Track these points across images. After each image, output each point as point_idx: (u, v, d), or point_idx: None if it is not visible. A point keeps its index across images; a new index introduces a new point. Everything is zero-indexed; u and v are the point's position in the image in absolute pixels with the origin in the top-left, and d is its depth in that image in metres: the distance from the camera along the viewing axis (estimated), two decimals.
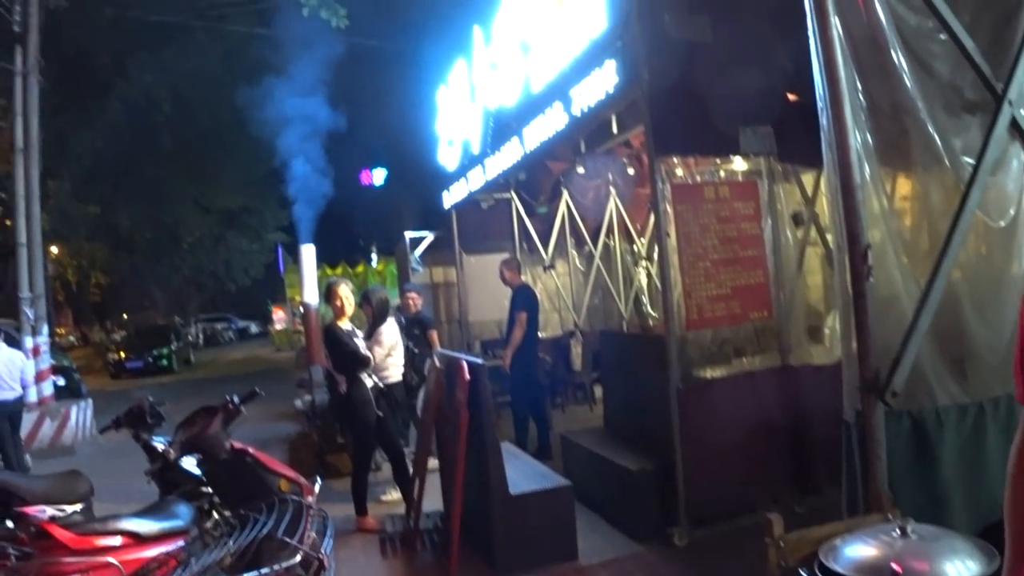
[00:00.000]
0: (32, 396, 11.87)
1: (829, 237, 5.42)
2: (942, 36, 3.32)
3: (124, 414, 5.21)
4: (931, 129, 3.33)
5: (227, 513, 4.63)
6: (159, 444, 4.95)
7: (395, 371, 6.92)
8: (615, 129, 7.66)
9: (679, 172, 5.92)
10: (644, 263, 10.70)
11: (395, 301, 10.25)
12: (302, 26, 12.80)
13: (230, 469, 4.74)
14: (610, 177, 10.10)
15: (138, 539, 3.71)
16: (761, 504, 4.33)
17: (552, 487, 5.28)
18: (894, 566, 2.02)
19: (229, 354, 34.29)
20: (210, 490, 4.84)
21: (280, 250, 26.34)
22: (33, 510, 4.11)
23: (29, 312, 12.23)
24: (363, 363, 6.28)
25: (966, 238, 3.26)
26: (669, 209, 5.38)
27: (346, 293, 6.45)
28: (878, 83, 3.33)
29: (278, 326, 32.89)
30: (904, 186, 3.75)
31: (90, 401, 12.98)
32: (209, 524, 4.21)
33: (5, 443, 9.13)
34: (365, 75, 19.64)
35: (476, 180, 9.22)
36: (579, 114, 5.93)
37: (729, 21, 5.36)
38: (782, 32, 4.57)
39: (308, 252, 10.40)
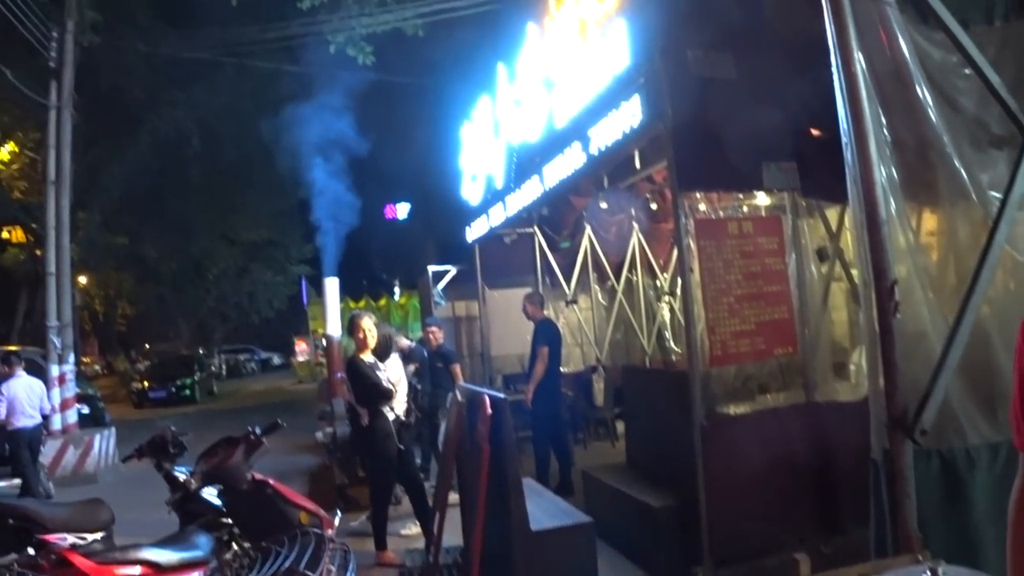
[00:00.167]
0: (57, 423, 12.02)
1: (854, 272, 5.37)
2: (967, 71, 3.31)
3: (147, 443, 5.23)
4: (957, 164, 3.32)
5: (246, 545, 4.61)
6: (181, 474, 4.96)
7: (398, 407, 6.93)
8: (638, 164, 7.69)
9: (702, 207, 5.92)
10: (667, 298, 10.67)
11: (417, 334, 10.29)
12: (329, 63, 13.05)
13: (250, 500, 4.74)
14: (633, 212, 10.11)
15: (158, 569, 3.71)
16: (787, 544, 4.26)
17: (573, 524, 5.21)
18: None
19: (251, 385, 34.42)
20: (230, 521, 4.82)
21: (304, 282, 26.58)
22: (54, 538, 4.13)
23: (56, 340, 12.38)
24: (385, 396, 6.28)
25: (994, 273, 3.22)
26: (692, 244, 5.36)
27: (369, 326, 6.48)
28: (903, 118, 3.32)
29: (300, 358, 33.02)
30: (930, 221, 3.72)
31: (113, 430, 13.08)
32: (229, 556, 4.21)
33: (26, 469, 9.27)
34: (390, 110, 19.92)
35: (498, 216, 9.28)
36: (596, 153, 5.99)
37: (752, 57, 5.37)
38: (805, 68, 4.58)
39: (332, 285, 10.48)
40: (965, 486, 3.10)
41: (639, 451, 6.90)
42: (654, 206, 9.86)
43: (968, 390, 3.19)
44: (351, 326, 6.58)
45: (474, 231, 10.48)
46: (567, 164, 6.75)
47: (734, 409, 5.55)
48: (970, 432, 3.16)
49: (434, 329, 9.17)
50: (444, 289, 12.74)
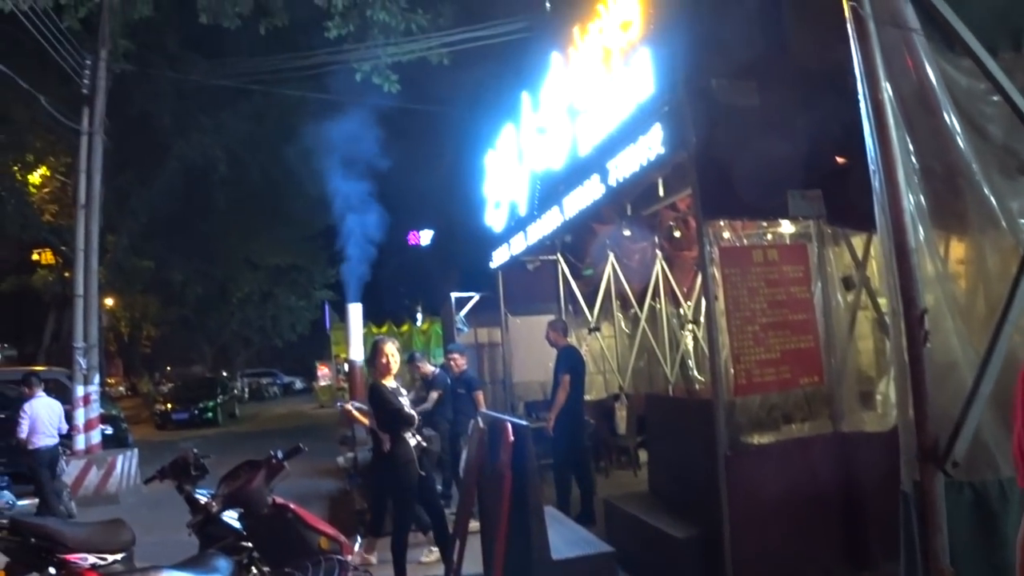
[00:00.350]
0: (80, 444, 12.12)
1: (881, 301, 5.32)
2: (995, 98, 3.29)
3: (169, 465, 5.24)
4: (986, 191, 3.28)
5: (266, 569, 4.60)
6: (202, 497, 4.97)
7: None
8: (661, 192, 7.68)
9: (726, 235, 5.90)
10: (690, 326, 10.60)
11: (439, 360, 10.29)
12: (355, 90, 13.22)
13: (271, 524, 4.73)
14: (656, 240, 10.09)
15: None
16: None
17: (595, 553, 5.15)
18: None
19: (273, 409, 34.53)
20: (250, 545, 4.82)
21: (327, 307, 26.74)
22: (75, 557, 4.14)
23: (82, 361, 12.51)
24: (407, 422, 6.25)
25: None
26: (717, 272, 5.34)
27: (392, 351, 6.45)
28: (930, 145, 3.30)
29: (322, 382, 33.11)
30: (957, 249, 3.68)
31: (136, 451, 13.16)
32: None
33: (45, 488, 9.39)
34: (414, 137, 20.12)
35: (519, 245, 9.35)
36: (615, 184, 6.05)
37: (776, 85, 5.39)
38: (829, 95, 4.58)
39: (355, 311, 10.53)
40: (998, 519, 3.03)
41: (662, 480, 6.83)
42: (677, 234, 9.83)
43: (1000, 421, 3.12)
44: (374, 351, 6.57)
45: (497, 258, 10.51)
46: (586, 195, 6.83)
47: (759, 439, 5.49)
48: (1003, 464, 3.09)
49: (456, 356, 9.17)
50: (467, 315, 12.76)
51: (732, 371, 5.28)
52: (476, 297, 12.83)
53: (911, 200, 3.18)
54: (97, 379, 12.97)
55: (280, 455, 4.96)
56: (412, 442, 6.28)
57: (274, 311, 34.87)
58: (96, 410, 12.70)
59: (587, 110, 6.90)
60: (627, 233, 9.51)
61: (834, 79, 3.68)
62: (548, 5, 12.03)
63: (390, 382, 6.43)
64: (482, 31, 12.91)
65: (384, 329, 23.28)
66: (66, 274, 21.03)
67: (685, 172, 5.42)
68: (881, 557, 4.94)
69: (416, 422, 6.34)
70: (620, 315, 11.43)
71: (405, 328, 24.81)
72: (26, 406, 9.61)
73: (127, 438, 15.69)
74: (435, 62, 13.24)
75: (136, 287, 27.88)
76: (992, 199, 3.29)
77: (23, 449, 9.52)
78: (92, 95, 13.22)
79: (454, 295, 13.12)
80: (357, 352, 10.41)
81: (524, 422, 5.31)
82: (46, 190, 22.89)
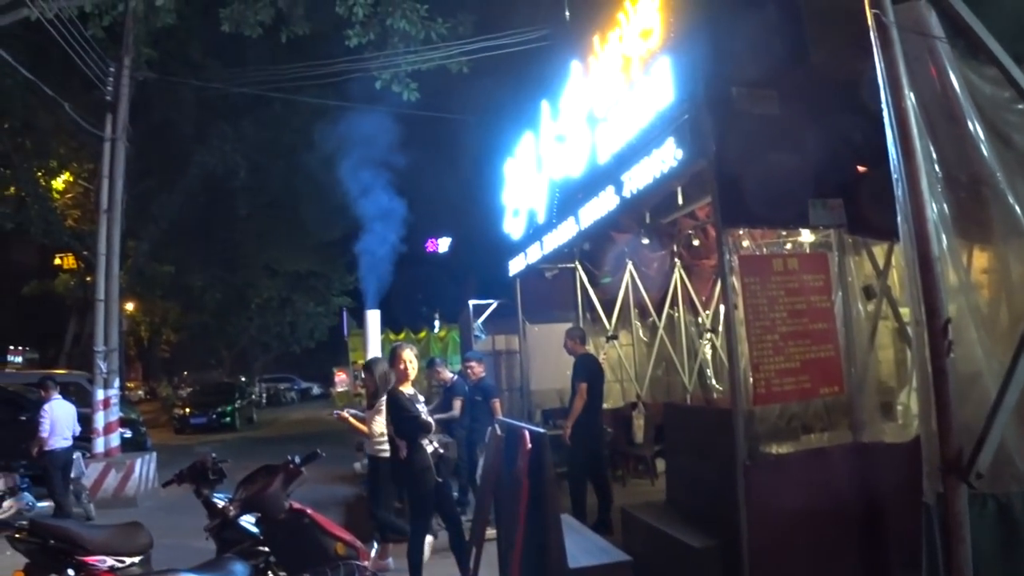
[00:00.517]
0: (100, 447, 12.21)
1: (902, 311, 5.27)
2: (1020, 106, 3.26)
3: (187, 469, 5.29)
4: (1011, 200, 3.25)
5: (282, 573, 4.62)
6: (219, 501, 5.00)
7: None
8: (680, 200, 7.67)
9: (746, 244, 5.87)
10: (709, 335, 10.55)
11: (456, 367, 10.30)
12: (374, 98, 13.30)
13: (288, 529, 4.74)
14: (675, 248, 10.06)
15: None
16: None
17: (612, 562, 5.12)
18: None
19: (291, 414, 34.65)
20: (267, 549, 4.84)
21: (345, 314, 26.81)
22: (94, 559, 4.18)
23: (102, 365, 12.63)
24: (424, 429, 6.25)
25: None
26: (736, 281, 5.31)
27: (410, 357, 6.45)
28: (954, 154, 3.27)
29: (339, 388, 33.19)
30: (980, 259, 3.64)
31: (154, 454, 13.27)
32: None
33: (58, 489, 9.58)
34: (433, 145, 20.20)
35: (537, 253, 9.36)
36: (629, 196, 6.07)
37: (797, 93, 5.35)
38: (851, 103, 4.55)
39: (373, 317, 10.57)
40: (1022, 533, 2.99)
41: (679, 490, 6.79)
42: (696, 242, 9.81)
43: None
44: (392, 357, 6.58)
45: (514, 266, 10.52)
46: (601, 206, 6.88)
47: (778, 449, 5.44)
48: None
49: (473, 364, 9.17)
50: (484, 323, 12.76)
51: (751, 380, 5.24)
52: (494, 304, 12.83)
53: (934, 209, 3.15)
54: (117, 383, 13.09)
55: (297, 460, 4.98)
56: (429, 449, 6.28)
57: (292, 317, 35.05)
58: (115, 414, 12.82)
59: (606, 118, 6.90)
60: (645, 241, 9.50)
61: (855, 88, 3.66)
62: (568, 14, 12.05)
63: (408, 389, 6.43)
64: (501, 40, 12.95)
65: (402, 336, 23.33)
66: (88, 279, 21.29)
67: (704, 180, 5.40)
68: (902, 569, 4.88)
69: (433, 429, 6.34)
70: (638, 323, 11.40)
71: (423, 335, 24.84)
72: (46, 407, 9.82)
73: (146, 442, 15.83)
74: (454, 71, 13.29)
75: (156, 292, 28.17)
76: (1016, 208, 3.26)
77: (39, 450, 9.65)
78: (115, 102, 13.38)
79: (472, 302, 13.12)
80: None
81: (542, 430, 5.29)
82: (69, 195, 23.19)
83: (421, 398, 6.60)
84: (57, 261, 35.00)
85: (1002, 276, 3.46)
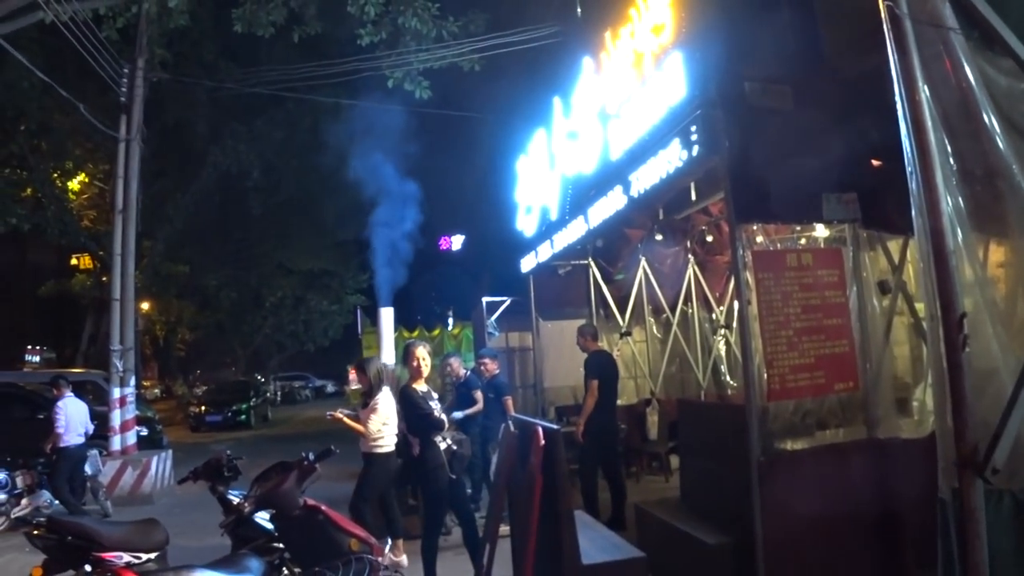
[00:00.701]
0: (116, 445, 12.32)
1: (918, 306, 5.24)
2: None
3: (202, 466, 5.32)
4: None
5: (297, 569, 4.64)
6: (234, 498, 5.02)
7: (389, 440, 6.94)
8: (693, 196, 7.64)
9: (759, 239, 5.84)
10: (723, 331, 10.52)
11: (470, 364, 10.31)
12: (386, 96, 13.32)
13: (302, 526, 4.77)
14: (688, 244, 10.03)
15: None
16: None
17: (625, 559, 5.11)
18: None
19: (305, 412, 34.72)
20: (281, 546, 4.86)
21: (359, 312, 26.87)
22: (110, 556, 4.21)
23: (119, 364, 12.72)
24: (437, 427, 6.26)
25: None
26: (750, 277, 5.28)
27: (424, 355, 6.46)
28: (969, 147, 3.24)
29: (353, 386, 33.24)
30: (997, 253, 3.61)
31: (170, 452, 13.35)
32: None
33: (62, 486, 9.74)
34: (446, 143, 20.21)
35: (548, 251, 9.39)
36: (636, 195, 6.08)
37: (810, 88, 5.33)
38: (864, 97, 4.52)
39: (387, 315, 10.58)
40: None
41: (693, 486, 6.77)
42: (710, 238, 9.78)
43: None
44: (406, 355, 6.60)
45: (527, 263, 10.53)
46: (609, 205, 6.93)
47: (792, 445, 5.41)
48: None
49: (487, 361, 9.18)
50: (498, 320, 12.77)
51: (765, 376, 5.21)
52: (507, 301, 12.83)
53: (949, 203, 3.13)
54: (133, 381, 13.17)
55: (312, 457, 5.00)
56: (442, 446, 6.29)
57: (306, 316, 35.15)
58: (132, 412, 12.90)
59: (618, 115, 6.89)
60: (659, 238, 9.47)
61: (869, 81, 3.63)
62: (579, 10, 12.03)
63: (421, 386, 6.45)
64: (513, 37, 12.94)
65: (415, 333, 23.40)
66: (103, 278, 21.43)
67: (717, 176, 5.38)
68: (918, 566, 4.86)
69: (446, 426, 6.35)
70: (652, 320, 11.37)
71: (436, 332, 24.89)
72: (60, 404, 9.98)
73: (161, 440, 15.95)
74: (466, 68, 13.29)
75: (171, 291, 28.36)
76: None
77: (53, 447, 9.78)
78: (130, 103, 13.46)
79: (485, 299, 13.14)
80: (389, 356, 10.46)
81: (555, 426, 5.29)
82: (85, 196, 23.38)
83: (435, 395, 6.61)
84: (73, 261, 35.35)
85: (1019, 270, 3.43)
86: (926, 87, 3.20)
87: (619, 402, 9.49)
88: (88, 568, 4.11)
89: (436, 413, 6.32)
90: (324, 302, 34.58)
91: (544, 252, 9.52)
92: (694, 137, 5.36)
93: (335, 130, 17.32)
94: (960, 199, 3.18)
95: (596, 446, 8.00)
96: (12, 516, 9.30)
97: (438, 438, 6.30)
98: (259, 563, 4.11)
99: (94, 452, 10.86)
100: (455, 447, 6.50)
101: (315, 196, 24.40)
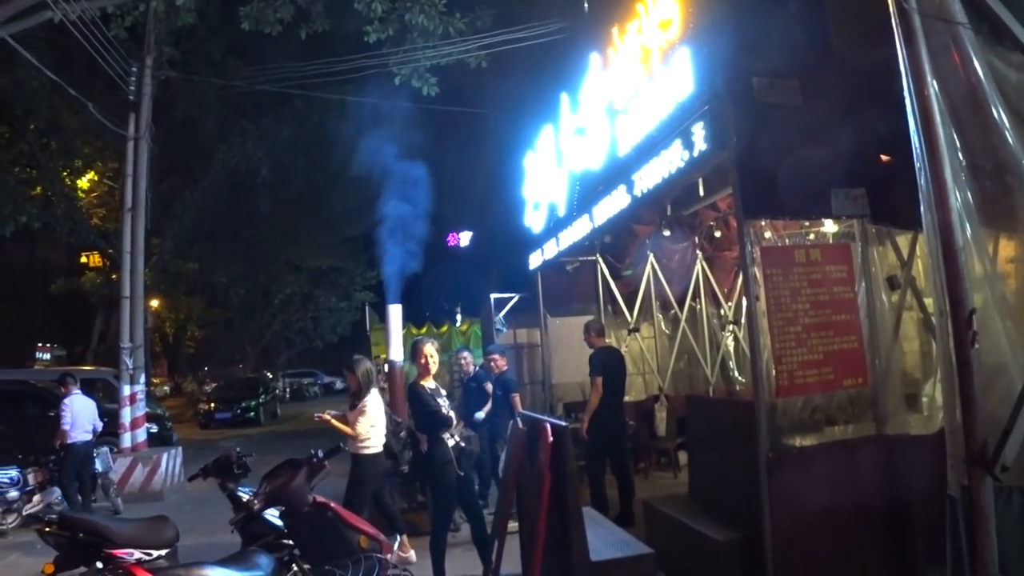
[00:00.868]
0: (126, 442, 12.38)
1: (927, 301, 5.21)
2: None
3: (212, 463, 5.34)
4: None
5: (306, 566, 4.66)
6: (244, 495, 5.05)
7: (377, 441, 6.93)
8: (702, 192, 7.62)
9: (768, 235, 5.82)
10: (731, 327, 10.49)
11: (479, 361, 10.31)
12: (394, 93, 13.32)
13: (311, 523, 4.79)
14: (696, 240, 10.01)
15: None
16: None
17: (634, 555, 5.11)
18: None
19: (314, 409, 34.67)
20: (291, 543, 4.88)
21: (367, 309, 26.89)
22: (122, 552, 4.24)
23: (128, 361, 12.78)
24: (445, 423, 6.27)
25: None
26: (758, 272, 5.26)
27: (431, 352, 6.46)
28: (978, 141, 3.22)
29: None
30: (1007, 248, 3.59)
31: (180, 449, 13.43)
32: None
33: (69, 482, 9.79)
34: (453, 140, 20.21)
35: (554, 249, 9.42)
36: (639, 194, 6.07)
37: (819, 83, 5.30)
38: (873, 92, 4.50)
39: (395, 312, 10.59)
40: None
41: (702, 483, 6.77)
42: (718, 234, 9.75)
43: None
44: (414, 352, 6.60)
45: (534, 260, 10.53)
46: (614, 204, 7.00)
47: (801, 441, 5.39)
48: None
49: (496, 357, 9.18)
50: (506, 316, 12.78)
51: (774, 372, 5.20)
52: (515, 298, 12.84)
53: (958, 198, 3.12)
54: (143, 379, 13.24)
55: (321, 454, 5.02)
56: (450, 443, 6.29)
57: (315, 312, 35.20)
58: (142, 409, 12.96)
59: (626, 110, 6.87)
60: (667, 233, 9.45)
61: (878, 76, 3.61)
62: (586, 6, 12.01)
63: (429, 383, 6.45)
64: (520, 33, 12.93)
65: (423, 330, 23.42)
66: (113, 276, 21.54)
67: (725, 172, 5.36)
68: (926, 563, 4.84)
69: (454, 423, 6.36)
70: (660, 316, 11.34)
71: (444, 329, 24.90)
72: (67, 401, 10.08)
73: (171, 436, 16.03)
74: (473, 65, 13.28)
75: (181, 289, 28.46)
76: None
77: (60, 443, 9.84)
78: (138, 102, 13.50)
79: (493, 296, 13.15)
80: (397, 353, 10.47)
81: (563, 423, 5.29)
82: (94, 195, 23.46)
83: (443, 392, 6.61)
84: (83, 259, 35.53)
85: None
86: (935, 81, 3.18)
87: (627, 398, 9.48)
88: (99, 565, 4.14)
89: (444, 410, 6.32)
90: (332, 299, 34.62)
91: (550, 250, 9.53)
92: (695, 137, 5.36)
93: (343, 127, 17.32)
94: (969, 194, 3.17)
95: (603, 442, 8.00)
96: (24, 513, 9.35)
97: (446, 435, 6.30)
98: (269, 560, 4.12)
99: (104, 449, 10.91)
100: (463, 444, 6.50)
101: (323, 193, 24.41)
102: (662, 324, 11.41)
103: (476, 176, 23.31)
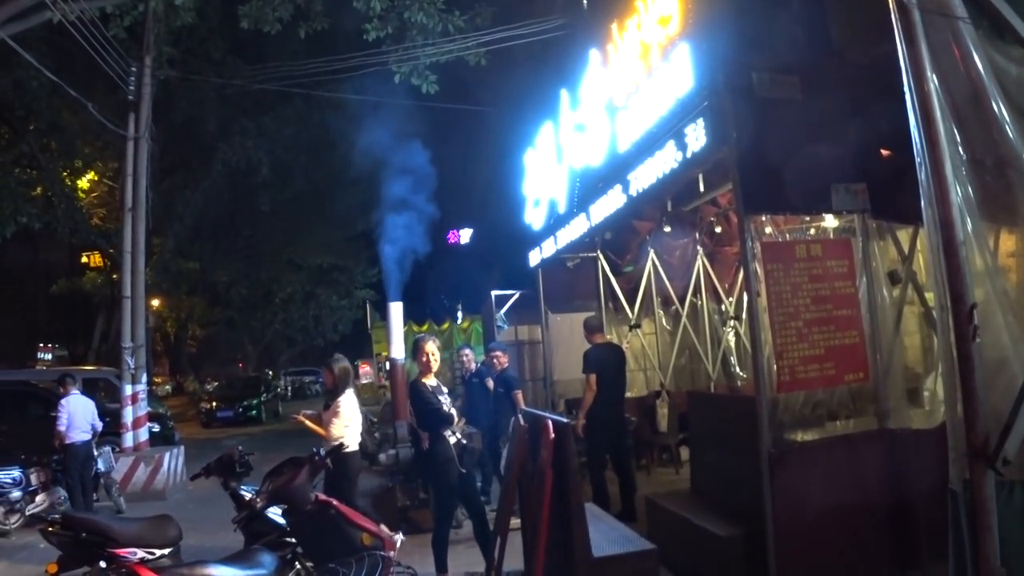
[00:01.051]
0: (129, 441, 12.39)
1: (928, 296, 5.21)
2: None
3: (214, 462, 5.35)
4: None
5: (309, 564, 4.67)
6: (246, 493, 5.06)
7: (352, 440, 6.89)
8: (702, 187, 7.62)
9: (768, 230, 5.82)
10: (732, 323, 10.50)
11: (480, 358, 10.32)
12: (394, 91, 13.32)
13: (314, 521, 4.79)
14: (697, 236, 10.01)
15: None
16: None
17: (637, 551, 5.12)
18: None
19: (316, 406, 34.71)
20: (294, 541, 4.88)
21: (368, 307, 26.92)
22: (125, 552, 4.25)
23: (130, 361, 12.78)
24: (446, 421, 6.27)
25: None
26: (759, 268, 5.27)
27: (433, 349, 6.46)
28: (979, 136, 3.22)
29: (363, 380, 33.36)
30: (1008, 242, 3.59)
31: (182, 448, 13.42)
32: (292, 575, 4.26)
33: (73, 483, 9.82)
34: (453, 137, 20.19)
35: (552, 247, 9.43)
36: (635, 194, 6.12)
37: (819, 78, 5.30)
38: (873, 87, 4.50)
39: (396, 309, 10.59)
40: None
41: (704, 478, 6.77)
42: (719, 229, 9.75)
43: None
44: (415, 349, 6.60)
45: (535, 257, 10.54)
46: (610, 204, 7.06)
47: (803, 436, 5.40)
48: None
49: (498, 354, 9.19)
50: (507, 313, 12.78)
51: (775, 368, 5.20)
52: (516, 295, 12.85)
53: (959, 192, 3.12)
54: (144, 378, 13.23)
55: (323, 453, 5.03)
56: (452, 440, 6.29)
57: (316, 311, 35.20)
58: (144, 408, 12.96)
59: (626, 106, 6.87)
60: (667, 229, 9.45)
61: (879, 71, 3.61)
62: (585, 3, 12.01)
63: (430, 380, 6.45)
64: (519, 30, 12.91)
65: (425, 327, 23.45)
66: (114, 276, 21.54)
67: (726, 168, 5.36)
68: (928, 557, 4.85)
69: (455, 420, 6.36)
70: (661, 312, 11.35)
71: (446, 326, 24.93)
72: (64, 402, 10.07)
73: (174, 436, 16.04)
74: (473, 62, 13.27)
75: (182, 288, 28.44)
76: None
77: (60, 444, 9.86)
78: (138, 101, 13.48)
79: (494, 293, 13.16)
80: (398, 350, 10.48)
81: (565, 419, 5.29)
82: (94, 195, 23.45)
83: (444, 389, 6.61)
84: (84, 259, 35.53)
85: None
86: (935, 76, 3.18)
87: (629, 394, 9.48)
88: (102, 564, 4.14)
89: (446, 407, 6.33)
90: (334, 297, 34.62)
91: (549, 248, 9.55)
92: (687, 138, 5.38)
93: (343, 125, 17.33)
94: (970, 189, 3.17)
95: (602, 439, 8.00)
96: (27, 513, 9.37)
97: (448, 432, 6.31)
98: (272, 558, 4.13)
99: (107, 449, 10.93)
100: (465, 441, 6.51)
101: (324, 191, 24.43)
102: (663, 320, 11.42)
103: (477, 173, 23.28)
